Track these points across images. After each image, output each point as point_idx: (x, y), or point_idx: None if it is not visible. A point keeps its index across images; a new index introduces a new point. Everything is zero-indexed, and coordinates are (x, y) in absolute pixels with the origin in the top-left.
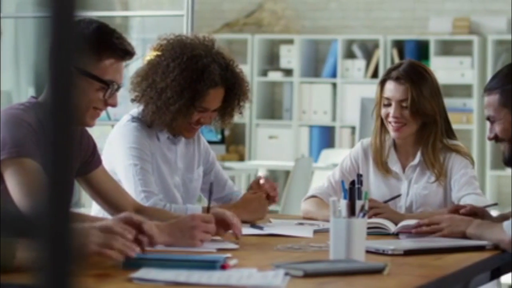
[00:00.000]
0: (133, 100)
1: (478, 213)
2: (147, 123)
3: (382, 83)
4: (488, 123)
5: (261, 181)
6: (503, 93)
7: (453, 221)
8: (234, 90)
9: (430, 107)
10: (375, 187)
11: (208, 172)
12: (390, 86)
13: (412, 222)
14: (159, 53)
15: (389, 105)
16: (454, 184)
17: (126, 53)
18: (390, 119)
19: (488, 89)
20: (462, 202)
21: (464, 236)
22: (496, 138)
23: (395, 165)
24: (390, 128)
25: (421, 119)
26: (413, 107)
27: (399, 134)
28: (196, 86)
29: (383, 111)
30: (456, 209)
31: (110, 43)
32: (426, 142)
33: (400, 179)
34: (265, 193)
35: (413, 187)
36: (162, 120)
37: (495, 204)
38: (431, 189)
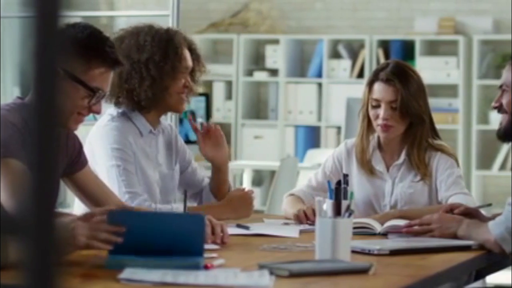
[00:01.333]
0: (124, 90)
1: (472, 213)
2: (141, 106)
3: (370, 84)
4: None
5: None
6: None
7: (444, 221)
8: (195, 51)
9: (418, 107)
10: (359, 187)
11: (183, 170)
12: (379, 87)
13: (400, 222)
14: (122, 39)
15: (377, 106)
16: (441, 183)
17: (116, 62)
18: (379, 120)
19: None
20: (450, 202)
21: (454, 236)
22: (499, 108)
23: (379, 165)
24: (378, 129)
25: (409, 119)
26: (403, 107)
27: (387, 135)
28: (172, 49)
29: (372, 112)
30: (451, 209)
31: (102, 51)
32: (412, 141)
33: (384, 178)
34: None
35: (398, 186)
36: (158, 92)
37: (489, 205)
38: (416, 188)
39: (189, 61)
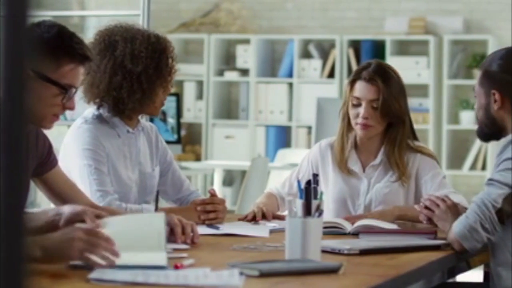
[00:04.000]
0: (111, 96)
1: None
2: (124, 114)
3: (352, 83)
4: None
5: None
6: (484, 73)
7: (446, 214)
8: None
9: (399, 107)
10: (335, 186)
11: (165, 172)
12: (360, 86)
13: (372, 222)
14: (111, 47)
15: (358, 105)
16: (426, 184)
17: (85, 58)
18: (359, 119)
19: (481, 65)
20: None
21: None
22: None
23: (355, 165)
24: (357, 127)
25: (389, 119)
26: (384, 107)
27: (366, 133)
28: (165, 61)
29: (352, 111)
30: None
31: (70, 48)
32: (393, 142)
33: (360, 178)
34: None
35: (374, 186)
36: (145, 104)
37: None
38: (392, 188)
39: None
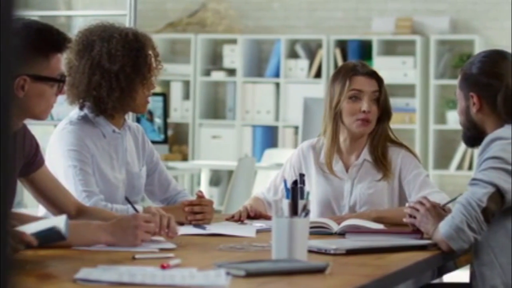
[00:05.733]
0: (91, 96)
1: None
2: (106, 113)
3: (349, 78)
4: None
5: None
6: (464, 76)
7: (427, 218)
8: (155, 51)
9: (389, 103)
10: (318, 187)
11: (152, 172)
12: (361, 79)
13: (358, 222)
14: (89, 47)
15: (358, 98)
16: (409, 185)
17: (68, 42)
18: (360, 114)
19: (461, 68)
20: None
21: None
22: None
23: (336, 165)
24: (356, 124)
25: (382, 113)
26: (383, 100)
27: (365, 129)
28: (143, 58)
29: (350, 106)
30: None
31: (55, 41)
32: (377, 140)
33: (343, 179)
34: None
35: (357, 187)
36: (125, 103)
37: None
38: (376, 188)
39: (155, 65)
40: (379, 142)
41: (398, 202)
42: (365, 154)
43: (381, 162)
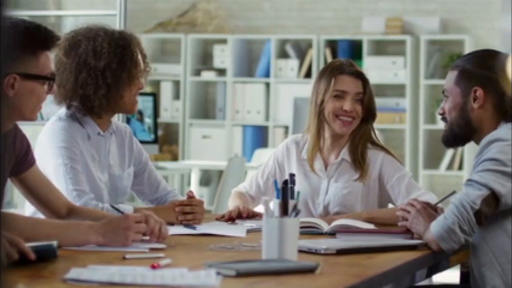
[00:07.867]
0: (78, 95)
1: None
2: (93, 112)
3: (334, 77)
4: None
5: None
6: (461, 72)
7: (418, 219)
8: (142, 52)
9: (374, 104)
10: (298, 184)
11: (141, 172)
12: (345, 79)
13: (349, 222)
14: (75, 45)
15: (341, 98)
16: (393, 190)
17: (57, 39)
18: (342, 114)
19: (453, 65)
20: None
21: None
22: (443, 115)
23: (316, 163)
24: (338, 123)
25: (367, 114)
26: (367, 101)
27: (347, 130)
28: (129, 55)
29: (333, 105)
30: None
31: (42, 39)
32: (358, 140)
33: (321, 177)
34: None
35: (333, 186)
36: (112, 101)
37: (453, 192)
38: (351, 189)
39: (142, 65)
40: (360, 142)
41: (375, 205)
42: (344, 154)
43: (359, 163)
